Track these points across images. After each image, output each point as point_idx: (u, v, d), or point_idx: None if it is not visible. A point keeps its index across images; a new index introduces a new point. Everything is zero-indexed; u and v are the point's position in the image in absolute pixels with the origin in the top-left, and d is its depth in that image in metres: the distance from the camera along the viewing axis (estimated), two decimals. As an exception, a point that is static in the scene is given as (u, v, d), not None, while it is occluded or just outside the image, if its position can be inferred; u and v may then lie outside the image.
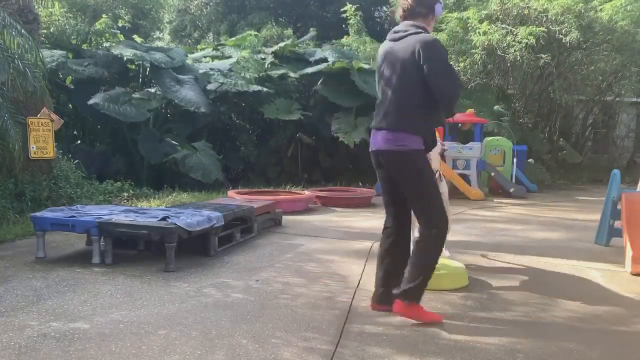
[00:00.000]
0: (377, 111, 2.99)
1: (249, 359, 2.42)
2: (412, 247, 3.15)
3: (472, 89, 11.56)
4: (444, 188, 3.74)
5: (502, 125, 11.01)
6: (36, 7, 7.96)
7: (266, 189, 9.03)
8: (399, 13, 3.01)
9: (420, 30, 2.87)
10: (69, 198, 6.54)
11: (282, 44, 12.49)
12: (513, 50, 10.20)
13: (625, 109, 16.42)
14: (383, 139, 2.89)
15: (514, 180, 9.69)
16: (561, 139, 14.54)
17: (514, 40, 10.21)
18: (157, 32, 19.49)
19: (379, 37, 14.76)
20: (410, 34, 2.87)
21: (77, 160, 7.55)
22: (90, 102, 9.36)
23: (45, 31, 10.57)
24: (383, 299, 3.07)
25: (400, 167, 2.91)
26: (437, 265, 3.78)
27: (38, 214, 4.27)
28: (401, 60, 2.83)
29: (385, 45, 3.00)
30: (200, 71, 11.26)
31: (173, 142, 10.37)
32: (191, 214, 4.36)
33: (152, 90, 10.74)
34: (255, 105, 11.33)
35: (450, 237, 5.38)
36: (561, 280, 3.89)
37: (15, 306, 3.07)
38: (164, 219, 4.09)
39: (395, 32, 2.96)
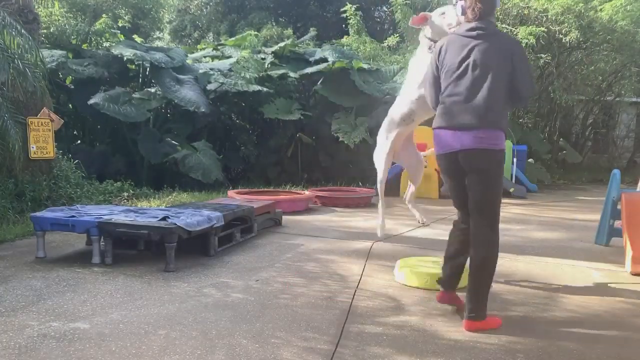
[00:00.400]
0: (455, 109, 2.85)
1: (249, 359, 2.42)
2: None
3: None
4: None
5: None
6: (36, 7, 7.97)
7: (266, 189, 9.03)
8: (468, 15, 2.92)
9: (502, 30, 2.89)
10: (69, 198, 6.55)
11: (282, 44, 12.49)
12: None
13: (625, 109, 16.44)
14: (473, 137, 2.77)
15: (514, 180, 9.69)
16: (561, 139, 14.54)
17: (514, 40, 10.21)
18: (157, 32, 19.50)
19: (379, 37, 14.82)
20: (494, 33, 2.87)
21: (77, 160, 7.55)
22: (90, 102, 9.36)
23: (45, 31, 10.58)
24: (451, 287, 3.15)
25: (487, 167, 2.82)
26: (437, 265, 3.84)
27: (38, 214, 4.27)
28: (495, 59, 2.79)
29: (463, 42, 2.87)
30: (200, 71, 11.27)
31: (173, 142, 10.38)
32: (191, 214, 4.36)
33: (152, 90, 10.74)
34: (255, 105, 11.33)
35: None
36: (561, 280, 3.89)
37: (15, 306, 3.07)
38: (164, 219, 4.09)
39: (477, 29, 2.85)
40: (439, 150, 2.97)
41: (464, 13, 2.95)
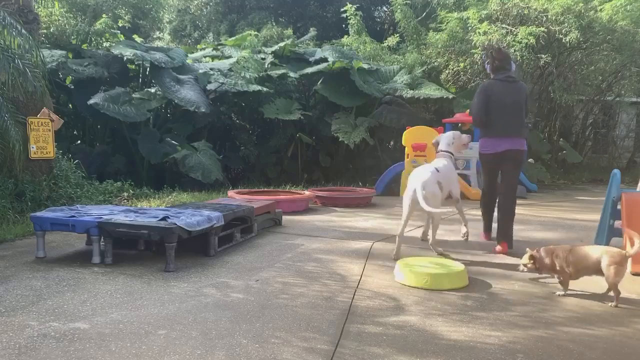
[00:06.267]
0: (503, 125, 4.70)
1: (249, 359, 2.42)
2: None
3: (472, 89, 11.56)
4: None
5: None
6: (36, 7, 7.96)
7: (266, 189, 9.03)
8: (490, 68, 4.90)
9: (505, 36, 4.85)
10: (69, 198, 6.55)
11: (282, 44, 12.49)
12: (513, 50, 10.20)
13: (625, 109, 16.40)
14: (518, 142, 4.73)
15: (514, 180, 9.67)
16: (561, 139, 14.53)
17: (514, 40, 10.21)
18: (157, 32, 19.53)
19: (379, 37, 14.80)
20: (517, 81, 4.86)
21: (77, 160, 7.55)
22: (90, 102, 9.37)
23: (45, 31, 10.59)
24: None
25: (521, 160, 4.83)
26: (436, 265, 3.88)
27: (38, 213, 4.27)
28: (522, 97, 4.78)
29: (501, 85, 4.73)
30: (200, 71, 11.27)
31: (173, 142, 10.38)
32: (191, 214, 4.36)
33: (152, 90, 10.75)
34: (255, 105, 11.33)
35: (450, 237, 5.38)
36: (561, 280, 3.88)
37: (15, 306, 3.07)
38: (164, 219, 4.09)
39: (509, 78, 4.76)
40: (496, 150, 4.73)
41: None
